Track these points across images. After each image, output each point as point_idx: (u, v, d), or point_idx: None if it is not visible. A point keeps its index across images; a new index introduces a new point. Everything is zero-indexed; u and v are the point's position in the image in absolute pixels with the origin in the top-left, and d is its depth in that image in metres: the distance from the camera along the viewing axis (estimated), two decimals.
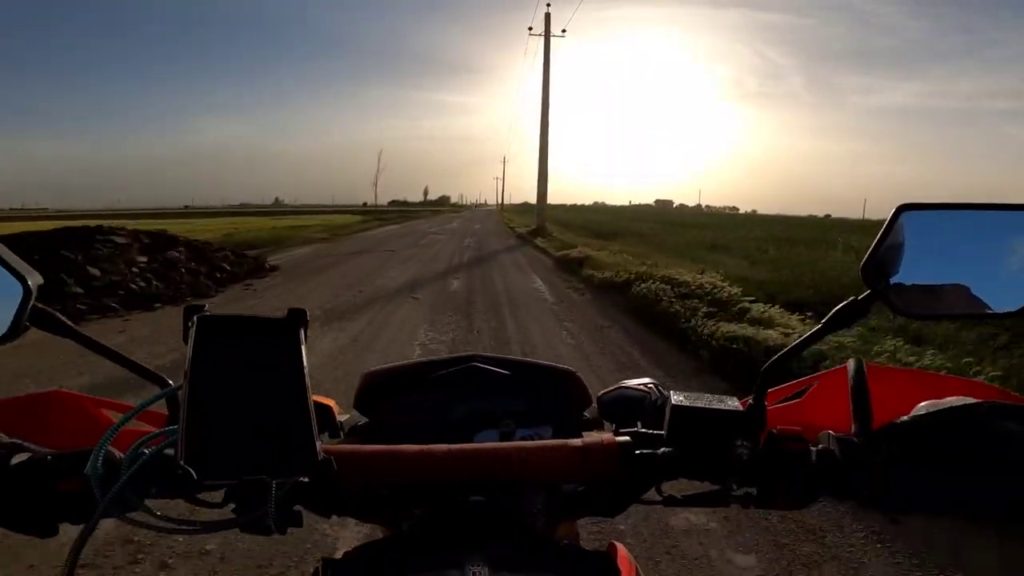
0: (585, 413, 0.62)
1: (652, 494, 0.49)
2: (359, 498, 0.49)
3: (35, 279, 0.44)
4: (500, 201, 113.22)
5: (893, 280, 0.48)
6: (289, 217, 39.96)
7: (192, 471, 0.36)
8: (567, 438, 0.49)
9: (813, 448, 0.45)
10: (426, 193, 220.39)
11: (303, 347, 0.44)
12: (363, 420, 0.61)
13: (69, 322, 0.47)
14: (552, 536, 0.53)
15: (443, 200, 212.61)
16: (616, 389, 0.59)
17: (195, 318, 0.43)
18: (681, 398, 0.49)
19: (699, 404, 0.48)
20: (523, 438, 0.58)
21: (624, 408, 0.57)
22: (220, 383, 0.41)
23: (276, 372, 0.42)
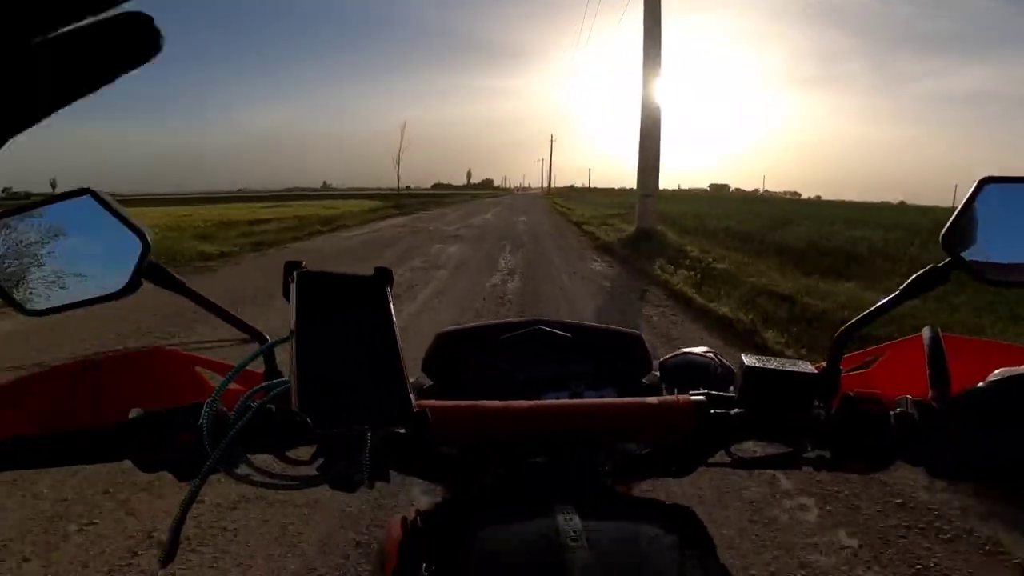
0: (644, 380, 0.62)
1: (720, 456, 0.50)
2: (439, 455, 0.49)
3: (150, 235, 0.46)
4: (548, 185, 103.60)
5: (972, 250, 0.48)
6: (290, 204, 30.66)
7: (308, 420, 0.37)
8: None
9: (891, 412, 0.45)
10: (469, 176, 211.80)
11: (391, 304, 0.45)
12: (428, 383, 0.62)
13: (179, 277, 0.48)
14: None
15: (486, 183, 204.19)
16: (678, 355, 0.60)
17: (295, 274, 0.45)
18: (754, 360, 0.49)
19: (771, 366, 0.48)
20: (590, 399, 0.58)
21: (687, 373, 0.58)
22: (321, 337, 0.42)
23: (368, 327, 0.43)
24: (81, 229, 0.47)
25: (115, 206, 0.46)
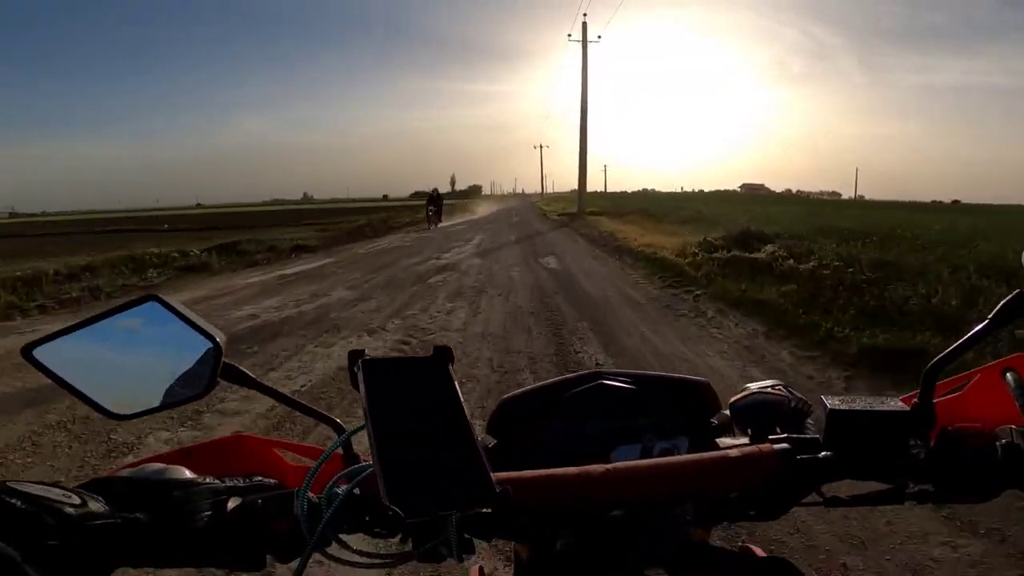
0: (712, 420, 0.62)
1: (812, 496, 0.50)
2: (519, 519, 0.50)
3: (221, 337, 0.48)
4: (541, 190, 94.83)
5: None
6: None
7: (399, 511, 0.38)
8: (705, 449, 0.52)
9: (997, 444, 0.46)
10: (453, 183, 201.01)
11: (455, 381, 0.47)
12: (493, 442, 0.62)
13: (252, 375, 0.51)
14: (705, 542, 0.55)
15: (474, 190, 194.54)
16: (749, 395, 0.60)
17: (360, 362, 0.47)
18: (837, 402, 0.49)
19: (858, 407, 0.48)
20: (662, 451, 0.59)
21: (759, 413, 0.57)
22: (394, 422, 0.43)
23: (436, 407, 0.45)
24: (151, 334, 0.49)
25: (182, 310, 0.48)
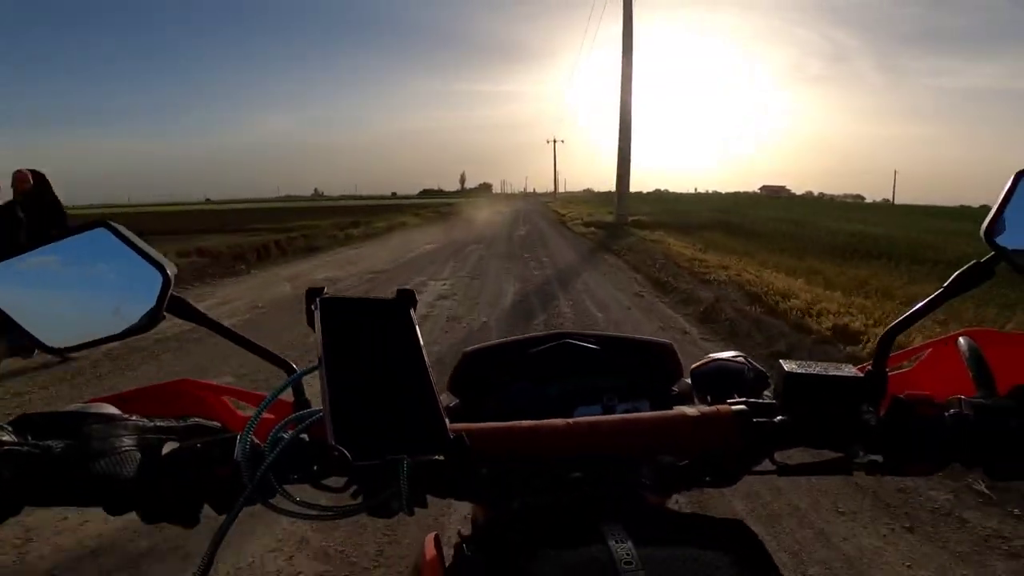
0: (674, 388, 0.63)
1: (765, 464, 0.50)
2: (474, 478, 0.48)
3: (171, 269, 0.46)
4: (555, 189, 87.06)
5: (1015, 242, 0.49)
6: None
7: (347, 452, 0.37)
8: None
9: (945, 413, 0.46)
10: (463, 181, 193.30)
11: (416, 326, 0.45)
12: (454, 401, 0.62)
13: (201, 309, 0.48)
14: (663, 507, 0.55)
15: (483, 188, 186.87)
16: (710, 362, 0.59)
17: (318, 300, 0.45)
18: (794, 366, 0.49)
19: (814, 371, 0.49)
20: (623, 412, 0.58)
21: (720, 380, 0.57)
22: (349, 365, 0.42)
23: (395, 351, 0.44)
24: (98, 263, 0.47)
25: (133, 239, 0.46)
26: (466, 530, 0.50)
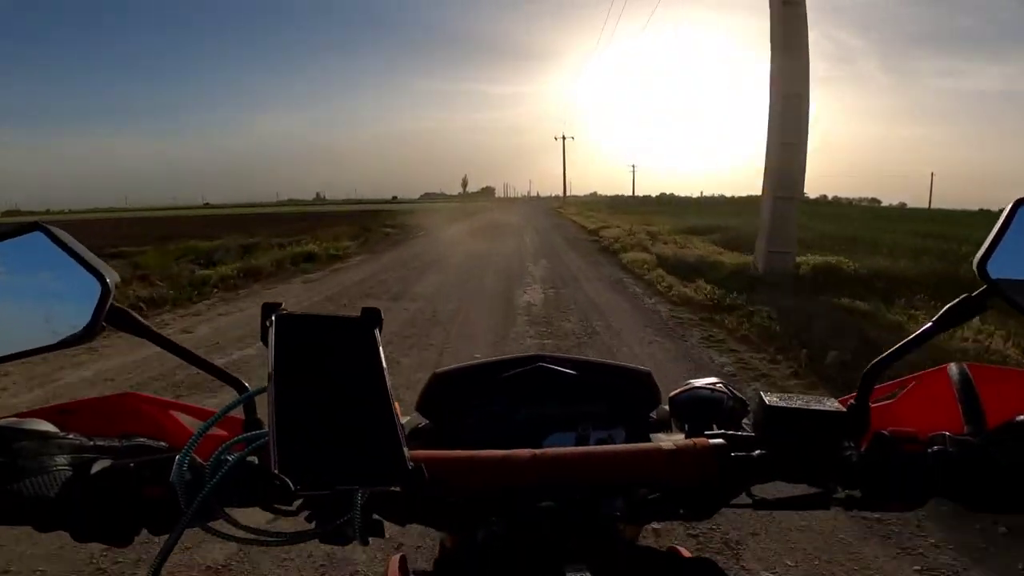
0: (652, 414, 0.62)
1: (742, 497, 0.49)
2: (437, 505, 0.46)
3: (113, 277, 0.44)
4: (564, 192, 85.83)
5: (1011, 276, 0.46)
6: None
7: (289, 481, 0.35)
8: (641, 440, 0.53)
9: (928, 450, 0.45)
10: (465, 184, 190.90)
11: (380, 348, 0.44)
12: (424, 422, 0.60)
13: (145, 321, 0.46)
14: (633, 540, 0.54)
15: (487, 192, 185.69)
16: (688, 390, 0.58)
17: (273, 317, 0.43)
18: (774, 399, 0.48)
19: (795, 404, 0.48)
20: (598, 441, 0.58)
21: (697, 408, 0.56)
22: (303, 386, 0.40)
23: (355, 373, 0.42)
24: (32, 269, 0.45)
25: (71, 244, 0.44)
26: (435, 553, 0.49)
